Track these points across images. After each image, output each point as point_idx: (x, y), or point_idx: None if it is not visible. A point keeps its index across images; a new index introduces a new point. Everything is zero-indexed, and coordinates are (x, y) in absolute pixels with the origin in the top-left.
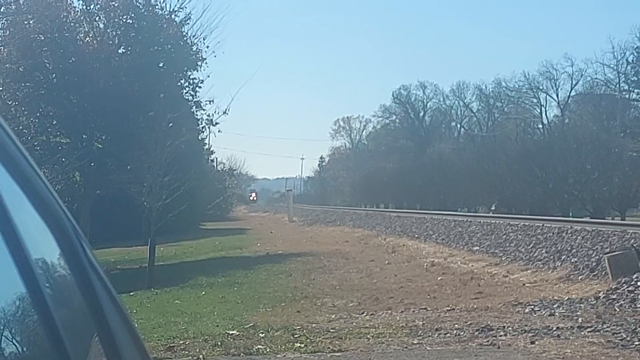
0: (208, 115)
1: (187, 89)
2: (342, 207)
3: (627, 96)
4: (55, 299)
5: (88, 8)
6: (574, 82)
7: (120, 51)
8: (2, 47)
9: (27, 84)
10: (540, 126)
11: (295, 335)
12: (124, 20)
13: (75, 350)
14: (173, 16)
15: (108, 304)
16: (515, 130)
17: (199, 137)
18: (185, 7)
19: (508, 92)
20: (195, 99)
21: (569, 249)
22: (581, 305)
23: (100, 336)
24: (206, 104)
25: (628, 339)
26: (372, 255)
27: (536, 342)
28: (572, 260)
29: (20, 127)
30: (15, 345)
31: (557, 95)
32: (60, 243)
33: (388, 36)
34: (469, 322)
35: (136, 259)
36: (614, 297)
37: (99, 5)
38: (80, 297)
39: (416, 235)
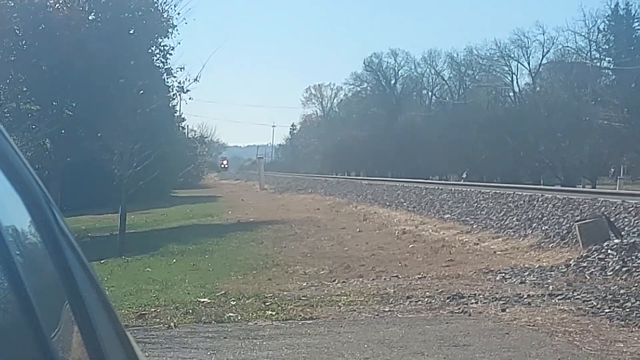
0: (179, 83)
1: (157, 56)
2: (313, 175)
3: (598, 64)
4: (26, 267)
5: None
6: (545, 50)
7: (90, 18)
8: None
9: None
10: (511, 94)
11: (267, 303)
12: None
13: (47, 318)
14: None
15: (79, 271)
16: (487, 98)
17: (170, 105)
18: None
19: (479, 60)
20: (166, 66)
21: (539, 217)
22: (552, 273)
23: (71, 304)
24: (177, 71)
25: (598, 306)
26: (343, 223)
27: (507, 310)
28: (543, 228)
29: None
30: None
31: (529, 63)
32: (30, 210)
33: (360, 3)
34: (440, 290)
35: (107, 227)
36: (585, 264)
37: None
38: (51, 264)
39: (387, 203)
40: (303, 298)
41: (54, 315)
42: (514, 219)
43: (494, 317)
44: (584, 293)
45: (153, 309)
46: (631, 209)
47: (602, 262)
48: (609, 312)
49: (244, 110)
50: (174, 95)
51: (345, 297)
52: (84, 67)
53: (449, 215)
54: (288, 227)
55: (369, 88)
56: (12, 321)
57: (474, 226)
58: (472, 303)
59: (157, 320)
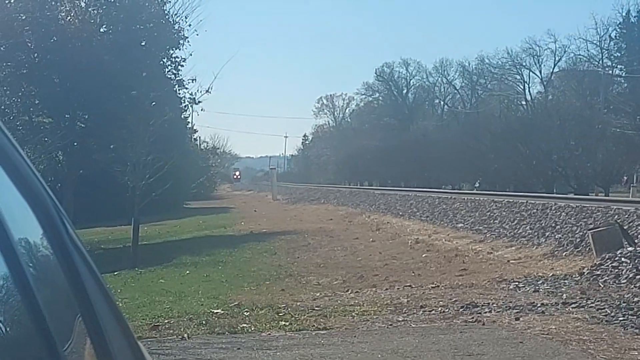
0: (191, 94)
1: (169, 67)
2: (326, 185)
3: (610, 72)
4: (38, 279)
5: None
6: (557, 59)
7: (102, 30)
8: None
9: (9, 63)
10: (523, 103)
11: (280, 314)
12: None
13: (59, 331)
14: None
15: (91, 284)
16: (499, 107)
17: (182, 116)
18: None
19: (491, 69)
20: (177, 78)
21: (553, 225)
22: (565, 281)
23: (83, 316)
24: (189, 82)
25: (612, 314)
26: (356, 233)
27: (521, 319)
28: (556, 237)
29: (2, 107)
30: None
31: (540, 72)
32: (42, 223)
33: (371, 14)
34: (454, 299)
35: (120, 239)
36: (598, 273)
37: None
38: (63, 277)
39: (400, 213)
40: (316, 308)
41: (66, 327)
42: (527, 228)
43: (508, 326)
44: (598, 301)
45: (166, 321)
46: None
47: (616, 270)
48: (623, 320)
49: (256, 121)
50: (185, 106)
51: (358, 307)
52: (96, 79)
53: (462, 225)
54: (301, 238)
55: (380, 98)
56: (24, 334)
57: (487, 235)
58: (485, 312)
59: (171, 331)
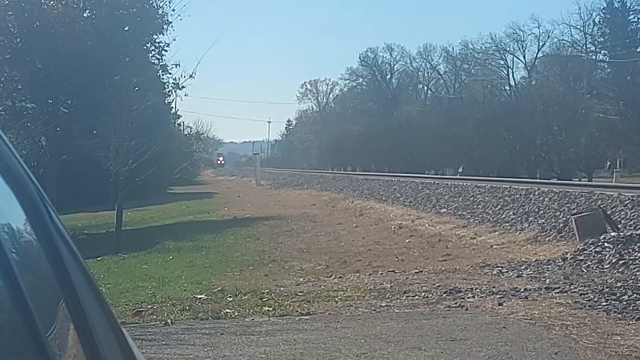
0: (174, 79)
1: (153, 52)
2: (309, 170)
3: (593, 57)
4: (21, 265)
5: None
6: (540, 44)
7: (85, 15)
8: None
9: None
10: (507, 88)
11: (264, 299)
12: None
13: (42, 316)
14: None
15: (74, 269)
16: (482, 92)
17: (166, 101)
18: None
19: (475, 54)
20: (161, 63)
21: (536, 210)
22: (549, 266)
23: (67, 302)
24: (172, 67)
25: (595, 299)
26: (339, 218)
27: (504, 304)
28: (540, 222)
29: None
30: None
31: (524, 57)
32: (25, 208)
33: None
34: (437, 284)
35: (103, 224)
36: (581, 258)
37: None
38: (47, 262)
39: (384, 198)
40: (300, 294)
41: (49, 313)
42: (510, 213)
43: (491, 311)
44: (581, 286)
45: (150, 306)
46: (627, 201)
47: (599, 255)
48: (606, 305)
49: (240, 106)
50: (169, 91)
51: (342, 293)
52: (79, 65)
53: (446, 210)
54: (284, 223)
55: (364, 83)
56: (7, 320)
57: (471, 220)
58: (469, 297)
59: (154, 317)
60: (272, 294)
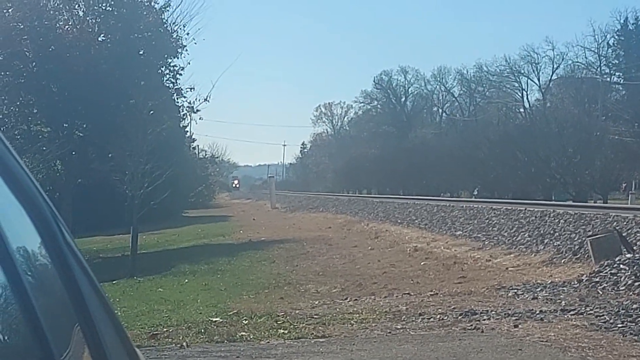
0: (189, 103)
1: (167, 76)
2: (324, 194)
3: (608, 79)
4: (36, 288)
5: None
6: (555, 66)
7: (100, 39)
8: None
9: (7, 72)
10: (521, 110)
11: (279, 322)
12: (104, 7)
13: (57, 340)
14: (153, 3)
15: (90, 292)
16: (497, 115)
17: (180, 125)
18: None
19: (489, 77)
20: (176, 87)
21: (551, 232)
22: (564, 288)
23: (81, 325)
24: (187, 91)
25: (611, 321)
26: (355, 241)
27: (520, 326)
28: (555, 244)
29: (1, 116)
30: None
31: (539, 79)
32: (40, 232)
33: (369, 22)
34: (453, 307)
35: (119, 248)
36: (597, 280)
37: None
38: (62, 286)
39: (399, 221)
40: (315, 316)
41: (64, 337)
42: (525, 235)
43: (507, 333)
44: (597, 308)
45: (165, 329)
46: None
47: (615, 277)
48: (622, 327)
49: (255, 130)
50: (184, 115)
51: (357, 315)
52: (94, 88)
53: (461, 232)
54: (300, 246)
55: (379, 106)
56: (22, 343)
57: (486, 243)
58: (484, 319)
59: (169, 340)
60: (288, 317)
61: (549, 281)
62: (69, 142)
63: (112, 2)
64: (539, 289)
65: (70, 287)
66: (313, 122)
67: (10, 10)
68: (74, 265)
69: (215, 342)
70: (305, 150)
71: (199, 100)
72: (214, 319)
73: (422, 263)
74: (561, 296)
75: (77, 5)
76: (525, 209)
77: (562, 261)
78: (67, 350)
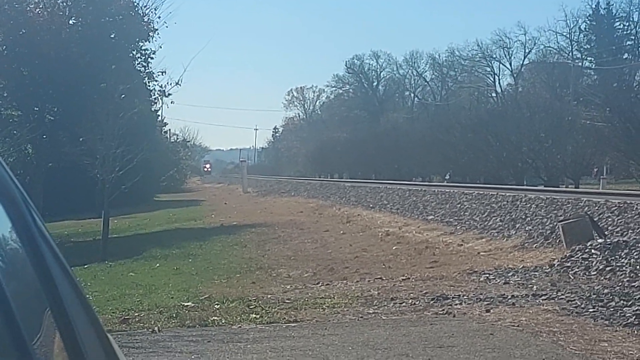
0: (160, 87)
1: (139, 60)
2: (296, 178)
3: (579, 64)
4: (6, 273)
5: None
6: (527, 51)
7: (71, 22)
8: None
9: None
10: (493, 95)
11: (251, 307)
12: None
13: (28, 325)
14: None
15: (61, 277)
16: (469, 99)
17: (152, 109)
18: None
19: (461, 61)
20: (147, 70)
21: (523, 217)
22: (536, 273)
23: (52, 310)
24: (158, 75)
25: (582, 306)
26: (326, 225)
27: (491, 311)
28: (527, 229)
29: None
30: None
31: (511, 64)
32: (10, 216)
33: (341, 5)
34: (424, 291)
35: (90, 232)
36: (568, 264)
37: None
38: (32, 270)
39: (371, 205)
40: (287, 301)
41: (35, 321)
42: (497, 220)
43: (478, 318)
44: (568, 293)
45: (137, 314)
46: (614, 208)
47: (586, 262)
48: (593, 311)
49: (227, 114)
50: (155, 99)
51: (329, 300)
52: (65, 72)
53: (433, 217)
54: (271, 230)
55: (351, 90)
56: None
57: (458, 227)
58: (456, 304)
59: (141, 324)
60: (260, 302)
61: (521, 266)
62: (39, 126)
63: None
64: (511, 273)
65: (41, 271)
66: (285, 106)
67: None
68: (44, 249)
69: (187, 326)
70: (277, 134)
71: (171, 84)
72: (186, 304)
73: (394, 247)
74: (533, 281)
75: None
76: (497, 194)
77: (534, 246)
78: (38, 335)
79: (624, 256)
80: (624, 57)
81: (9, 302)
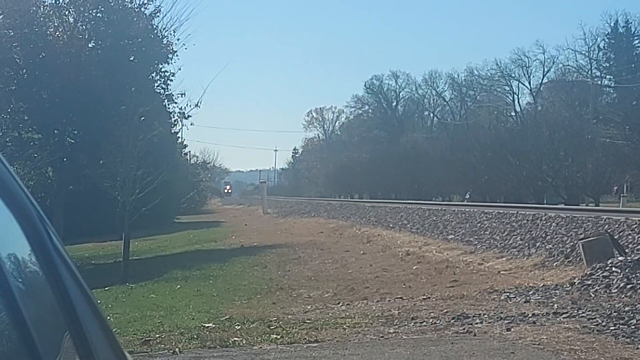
0: (180, 109)
1: (158, 82)
2: (316, 198)
3: (599, 82)
4: (26, 296)
5: (58, 2)
6: (545, 69)
7: (90, 45)
8: None
9: None
10: (513, 114)
11: (271, 327)
12: (94, 14)
13: (46, 349)
14: (143, 9)
15: (80, 299)
16: (488, 119)
17: (172, 131)
18: (155, 0)
19: (480, 81)
20: (166, 92)
21: (543, 235)
22: (556, 291)
23: (72, 333)
24: (178, 97)
25: (603, 324)
26: (347, 245)
27: (512, 329)
28: (547, 247)
29: None
30: None
31: (530, 83)
32: (30, 239)
33: (360, 26)
34: (445, 311)
35: (111, 254)
36: (589, 282)
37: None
38: (51, 293)
39: (391, 225)
40: (307, 321)
41: (54, 345)
42: (517, 239)
43: (499, 336)
44: (589, 311)
45: (158, 335)
46: (635, 226)
47: (607, 280)
48: (614, 329)
49: (246, 135)
50: (175, 121)
51: (349, 320)
52: (85, 95)
53: (453, 236)
54: (292, 251)
55: (370, 110)
56: (12, 352)
57: (478, 246)
58: (477, 323)
59: (162, 345)
60: (280, 322)
61: (541, 284)
62: (60, 149)
63: (102, 9)
64: (531, 292)
65: (60, 294)
66: (304, 127)
67: (0, 17)
68: (63, 272)
69: (207, 347)
70: (297, 155)
71: (190, 105)
72: (207, 325)
73: (414, 267)
74: (553, 299)
75: (67, 12)
76: (517, 213)
77: (554, 264)
78: (57, 357)
79: None
80: None
81: (28, 325)
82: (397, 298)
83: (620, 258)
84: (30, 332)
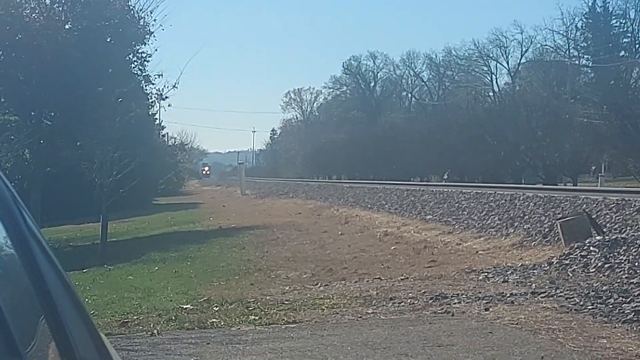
0: (157, 90)
1: (135, 63)
2: (294, 179)
3: (576, 62)
4: (0, 280)
5: None
6: (523, 49)
7: (67, 27)
8: None
9: None
10: (491, 94)
11: (250, 308)
12: None
13: (21, 333)
14: None
15: (55, 283)
16: (466, 99)
17: (149, 112)
18: None
19: (458, 61)
20: (144, 73)
21: (521, 215)
22: (534, 271)
23: (47, 317)
24: (155, 78)
25: (581, 303)
26: (325, 226)
27: (490, 309)
28: (525, 227)
29: None
30: None
31: (508, 63)
32: (4, 222)
33: (338, 6)
34: (423, 291)
35: (88, 236)
36: (567, 262)
37: None
38: (26, 276)
39: (369, 206)
40: (286, 302)
41: (29, 329)
42: (495, 219)
43: (477, 316)
44: (567, 290)
45: (135, 317)
46: (612, 205)
47: (585, 259)
48: (592, 308)
49: (224, 117)
50: (152, 102)
51: (328, 300)
52: (62, 77)
53: (431, 216)
54: (270, 232)
55: (348, 91)
56: None
57: (456, 226)
58: (455, 303)
59: (140, 327)
60: (258, 303)
61: (519, 264)
62: (37, 131)
63: None
64: (509, 272)
65: (34, 278)
66: (282, 108)
67: None
68: (38, 255)
69: (186, 329)
70: (275, 136)
71: (168, 87)
72: (185, 306)
73: (392, 247)
74: (531, 279)
75: None
76: (495, 193)
77: (532, 244)
78: (32, 342)
79: (622, 253)
80: (621, 54)
81: (2, 309)
82: (375, 278)
83: (598, 237)
84: (5, 316)
